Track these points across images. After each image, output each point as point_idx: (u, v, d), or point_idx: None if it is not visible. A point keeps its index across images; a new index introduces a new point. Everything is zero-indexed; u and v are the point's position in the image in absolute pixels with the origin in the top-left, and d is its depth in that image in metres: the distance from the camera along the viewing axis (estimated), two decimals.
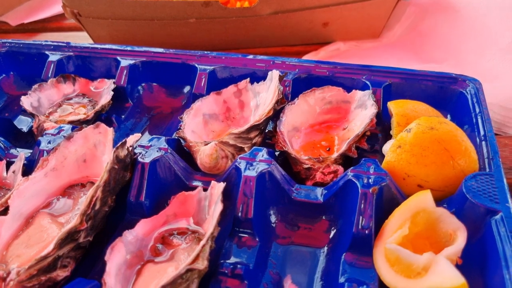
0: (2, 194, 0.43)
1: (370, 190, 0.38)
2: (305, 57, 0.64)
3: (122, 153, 0.40)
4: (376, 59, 0.63)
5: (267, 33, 0.66)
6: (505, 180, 0.38)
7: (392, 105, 0.46)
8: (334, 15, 0.65)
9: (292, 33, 0.67)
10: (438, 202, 0.39)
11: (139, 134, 0.43)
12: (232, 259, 0.37)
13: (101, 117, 0.52)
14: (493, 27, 0.63)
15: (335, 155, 0.44)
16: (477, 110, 0.45)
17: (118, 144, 0.40)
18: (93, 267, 0.38)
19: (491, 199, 0.36)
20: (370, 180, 0.38)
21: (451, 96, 0.49)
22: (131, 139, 0.42)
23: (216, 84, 0.54)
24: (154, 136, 0.44)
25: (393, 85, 0.50)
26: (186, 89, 0.56)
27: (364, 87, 0.51)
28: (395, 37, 0.69)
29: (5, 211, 0.39)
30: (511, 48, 0.60)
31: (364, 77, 0.51)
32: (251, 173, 0.40)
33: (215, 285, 0.36)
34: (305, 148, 0.47)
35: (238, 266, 0.36)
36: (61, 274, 0.36)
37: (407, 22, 0.69)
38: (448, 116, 0.49)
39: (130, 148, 0.41)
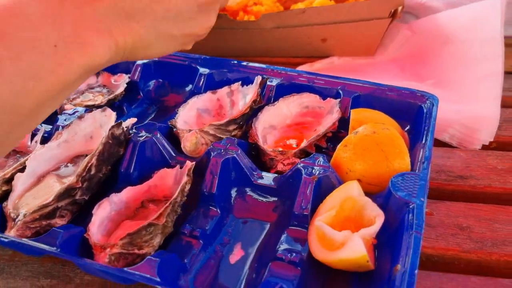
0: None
1: (311, 178, 0.45)
2: (300, 68, 0.72)
3: (118, 131, 0.49)
4: (364, 74, 0.70)
5: (271, 45, 0.75)
6: (427, 180, 0.44)
7: (352, 112, 0.53)
8: (331, 32, 0.73)
9: (293, 46, 0.75)
10: (374, 195, 0.46)
11: (135, 119, 0.53)
12: (193, 224, 0.46)
13: (114, 105, 0.62)
14: (475, 57, 0.69)
15: (296, 150, 0.51)
16: (426, 122, 0.52)
17: (115, 123, 0.49)
18: (85, 221, 0.48)
19: (410, 194, 0.43)
20: (313, 171, 0.46)
21: (411, 109, 0.56)
22: (128, 122, 0.52)
23: (213, 84, 0.62)
24: (149, 121, 0.53)
25: (362, 96, 0.57)
26: (189, 87, 0.65)
27: (337, 96, 0.58)
28: (388, 56, 0.75)
29: (22, 169, 0.49)
30: (485, 79, 0.65)
31: (339, 88, 0.58)
32: (219, 156, 0.48)
33: (176, 242, 0.45)
34: (277, 144, 0.55)
35: (196, 229, 0.45)
36: (59, 222, 0.46)
37: (400, 43, 0.76)
38: (408, 126, 0.56)
39: (125, 129, 0.51)
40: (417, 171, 0.46)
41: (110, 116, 0.53)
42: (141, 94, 0.65)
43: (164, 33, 0.38)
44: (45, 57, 0.32)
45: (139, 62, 0.65)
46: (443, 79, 0.69)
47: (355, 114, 0.52)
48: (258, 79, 0.58)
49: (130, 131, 0.52)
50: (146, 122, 0.53)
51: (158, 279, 0.37)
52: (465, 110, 0.62)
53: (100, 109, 0.54)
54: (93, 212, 0.45)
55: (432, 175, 0.54)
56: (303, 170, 0.46)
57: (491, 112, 0.61)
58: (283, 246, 0.43)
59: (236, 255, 0.45)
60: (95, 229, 0.44)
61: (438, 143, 0.59)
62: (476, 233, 0.47)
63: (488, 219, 0.48)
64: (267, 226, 0.47)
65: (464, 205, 0.50)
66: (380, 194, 0.45)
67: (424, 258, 0.46)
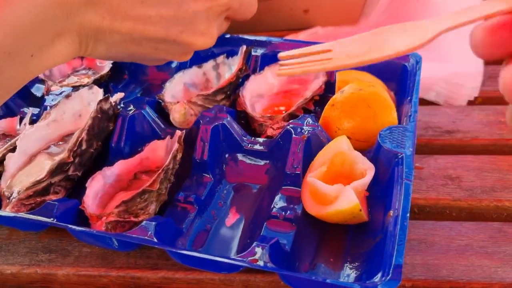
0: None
1: (301, 137, 0.46)
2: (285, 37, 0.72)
3: (106, 106, 0.50)
4: None
5: (253, 19, 0.75)
6: (414, 132, 0.45)
7: (338, 74, 0.54)
8: (313, 2, 0.73)
9: (276, 18, 0.75)
10: (364, 151, 0.46)
11: (123, 93, 0.53)
12: (187, 191, 0.46)
13: (101, 86, 0.62)
14: None
15: (284, 114, 0.52)
16: (411, 79, 0.52)
17: (102, 98, 0.49)
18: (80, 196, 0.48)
19: (398, 145, 0.43)
20: (303, 130, 0.46)
21: (396, 69, 0.56)
22: (115, 96, 0.52)
23: (198, 59, 0.62)
24: (136, 96, 0.54)
25: None
26: (174, 64, 0.65)
27: None
28: (371, 23, 0.76)
29: (13, 150, 0.49)
30: (466, 37, 0.66)
31: None
32: (209, 124, 0.48)
33: (171, 209, 0.45)
34: (265, 111, 0.56)
35: (191, 195, 0.45)
36: (53, 198, 0.46)
37: (381, 9, 0.76)
38: (394, 85, 0.57)
39: (113, 103, 0.51)
40: (404, 124, 0.47)
41: (98, 93, 0.53)
42: (127, 74, 0.65)
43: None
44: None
45: None
46: None
47: (341, 76, 0.53)
48: (242, 48, 0.58)
49: (119, 106, 0.52)
50: (134, 97, 0.53)
51: (155, 240, 0.38)
52: (448, 67, 0.62)
53: (86, 87, 0.54)
54: (86, 185, 0.45)
55: (420, 131, 0.55)
56: (292, 130, 0.47)
57: (474, 67, 0.62)
58: (277, 205, 0.44)
59: (231, 218, 0.45)
60: (90, 201, 0.44)
61: (425, 102, 0.60)
62: (465, 182, 0.48)
63: (477, 169, 0.49)
64: (261, 189, 0.48)
65: (453, 158, 0.51)
66: (369, 150, 0.46)
67: (416, 210, 0.47)
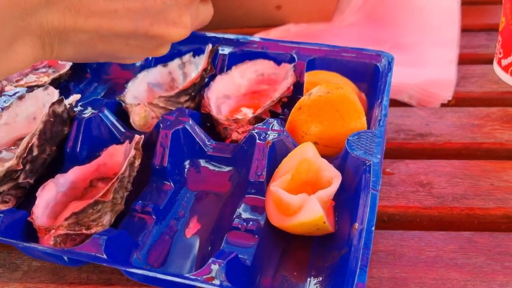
0: None
1: (265, 143, 0.43)
2: (256, 35, 0.70)
3: (59, 108, 0.47)
4: (322, 40, 0.68)
5: (223, 15, 0.72)
6: (383, 137, 0.43)
7: (307, 75, 0.52)
8: None
9: (247, 14, 0.73)
10: (331, 158, 0.44)
11: (79, 95, 0.50)
12: (145, 200, 0.43)
13: (60, 85, 0.59)
14: (434, 23, 0.68)
15: (250, 117, 0.49)
16: (382, 80, 0.51)
17: (55, 100, 0.46)
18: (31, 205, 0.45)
19: (366, 151, 0.41)
20: (267, 136, 0.44)
21: (368, 69, 0.54)
22: (71, 99, 0.49)
23: (163, 57, 0.59)
24: (94, 98, 0.51)
25: (317, 59, 0.55)
26: (138, 62, 0.62)
27: (292, 61, 0.56)
28: (345, 21, 0.74)
29: None
30: (441, 44, 0.65)
31: (293, 52, 0.56)
32: (168, 128, 0.46)
33: (128, 220, 0.42)
34: (232, 113, 0.53)
35: (149, 204, 0.43)
36: (2, 208, 0.43)
37: (356, 7, 0.74)
38: (366, 86, 0.55)
39: (68, 106, 0.48)
40: (373, 129, 0.45)
41: (53, 94, 0.50)
42: (89, 72, 0.62)
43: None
44: None
45: None
46: (400, 44, 0.68)
47: (310, 77, 0.51)
48: (208, 47, 0.56)
49: (75, 109, 0.49)
50: (91, 98, 0.51)
51: (104, 257, 0.35)
52: (422, 73, 0.61)
53: (42, 88, 0.51)
54: (36, 194, 0.42)
55: (392, 135, 0.53)
56: (256, 135, 0.44)
57: (448, 74, 0.61)
58: (240, 216, 0.41)
59: (192, 228, 0.43)
60: (40, 212, 0.41)
61: (397, 104, 0.58)
62: (436, 189, 0.46)
63: (448, 174, 0.48)
64: (224, 197, 0.45)
65: (424, 162, 0.49)
66: (337, 156, 0.44)
67: (385, 218, 0.45)
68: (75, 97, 0.49)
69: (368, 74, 0.54)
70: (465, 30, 0.69)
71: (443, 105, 0.58)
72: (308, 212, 0.38)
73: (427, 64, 0.64)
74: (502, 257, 0.40)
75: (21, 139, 0.49)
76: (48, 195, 0.43)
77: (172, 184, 0.45)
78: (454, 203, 0.45)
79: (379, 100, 0.48)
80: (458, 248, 0.41)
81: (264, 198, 0.43)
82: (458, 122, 0.54)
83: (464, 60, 0.64)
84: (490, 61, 0.63)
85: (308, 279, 0.38)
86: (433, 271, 0.39)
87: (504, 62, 0.58)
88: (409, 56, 0.65)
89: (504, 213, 0.44)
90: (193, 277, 0.33)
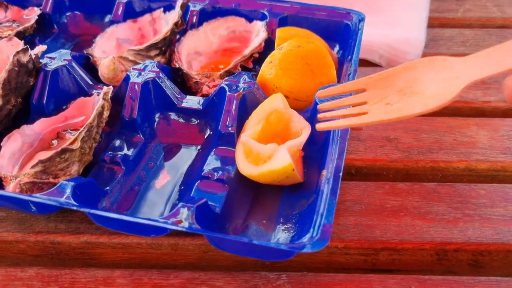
0: None
1: (235, 95, 0.43)
2: None
3: (24, 58, 0.45)
4: None
5: None
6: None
7: (278, 31, 0.51)
8: None
9: None
10: (301, 111, 0.45)
11: (45, 46, 0.49)
12: (114, 151, 0.43)
13: (26, 39, 0.57)
14: None
15: (221, 72, 0.49)
16: (353, 37, 0.51)
17: (20, 49, 0.45)
18: None
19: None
20: (238, 88, 0.44)
21: (339, 27, 0.54)
22: (37, 49, 0.48)
23: (133, 13, 0.58)
24: (61, 50, 0.49)
25: (289, 17, 0.55)
26: (108, 18, 0.61)
27: (264, 19, 0.56)
28: None
29: None
30: (412, 8, 0.66)
31: (265, 9, 0.56)
32: (138, 80, 0.45)
33: (97, 170, 0.42)
34: (204, 69, 0.53)
35: (118, 155, 0.42)
36: None
37: None
38: (337, 44, 0.55)
39: (34, 56, 0.46)
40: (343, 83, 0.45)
41: (18, 45, 0.48)
42: (56, 27, 0.60)
43: None
44: None
45: None
46: (371, 6, 0.68)
47: (281, 32, 0.51)
48: (179, 2, 0.55)
49: (40, 60, 0.48)
50: (58, 50, 0.49)
51: (73, 202, 0.35)
52: (392, 34, 0.62)
53: (5, 39, 0.49)
54: (1, 144, 0.41)
55: None
56: (227, 88, 0.44)
57: (417, 35, 0.61)
58: (210, 166, 0.42)
59: (161, 179, 0.43)
60: (5, 162, 0.41)
61: (367, 63, 0.59)
62: (403, 143, 0.48)
63: (415, 130, 0.49)
64: (194, 149, 0.45)
65: None
66: (307, 109, 0.44)
67: (353, 171, 0.46)
68: (41, 47, 0.48)
69: (339, 32, 0.55)
70: None
71: None
72: (278, 160, 0.38)
73: (397, 25, 0.64)
74: (462, 205, 0.41)
75: None
76: (13, 145, 0.42)
77: (142, 136, 0.45)
78: (419, 157, 0.46)
79: (350, 56, 0.48)
80: (421, 198, 0.42)
81: (234, 149, 0.43)
82: None
83: (433, 24, 0.65)
84: (458, 25, 0.64)
85: (277, 227, 0.39)
86: (398, 219, 0.40)
87: None
88: (380, 18, 0.65)
89: (466, 166, 0.45)
90: (163, 220, 0.33)
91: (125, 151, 0.44)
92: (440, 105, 0.32)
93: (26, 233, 0.39)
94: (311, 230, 0.33)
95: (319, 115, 0.36)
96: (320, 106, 0.37)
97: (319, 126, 0.35)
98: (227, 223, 0.39)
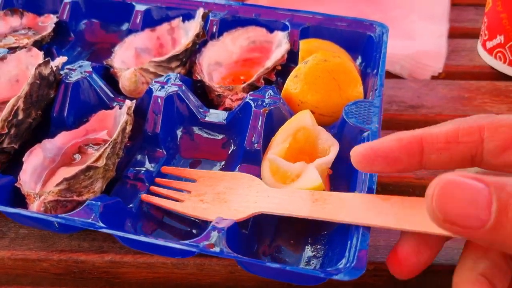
0: None
1: (261, 111, 0.42)
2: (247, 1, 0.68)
3: (46, 71, 0.44)
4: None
5: None
6: (381, 107, 0.43)
7: (301, 43, 0.51)
8: None
9: None
10: (328, 126, 0.44)
11: (66, 57, 0.48)
12: (137, 167, 0.42)
13: (43, 48, 0.56)
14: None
15: (244, 84, 0.48)
16: (378, 50, 0.50)
17: (41, 62, 0.44)
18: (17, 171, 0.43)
19: (364, 121, 0.41)
20: (263, 103, 0.43)
21: (362, 39, 0.54)
22: (57, 61, 0.47)
23: (151, 22, 0.57)
24: (82, 61, 0.49)
25: (311, 27, 0.54)
26: (125, 26, 0.60)
27: (285, 29, 0.55)
28: None
29: None
30: (431, 19, 0.66)
31: (286, 20, 0.55)
32: (161, 93, 0.44)
33: (120, 187, 0.41)
34: (224, 80, 0.52)
35: (141, 171, 0.42)
36: None
37: None
38: (359, 56, 0.54)
39: (55, 68, 0.46)
40: (370, 99, 0.45)
41: (37, 56, 0.48)
42: (72, 35, 0.59)
43: None
44: None
45: (67, 0, 0.59)
46: (388, 17, 0.67)
47: (305, 44, 0.50)
48: (200, 12, 0.54)
49: (61, 72, 0.47)
50: (79, 61, 0.48)
51: (100, 224, 0.34)
52: (413, 45, 0.61)
53: (24, 50, 0.48)
54: (23, 159, 0.41)
55: (385, 106, 0.53)
56: (252, 103, 0.43)
57: (439, 46, 0.61)
58: None
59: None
60: (27, 178, 0.40)
61: (389, 75, 0.58)
62: None
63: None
64: (218, 165, 0.44)
65: None
66: (334, 125, 0.44)
67: (379, 188, 0.45)
68: (61, 59, 0.47)
69: (362, 44, 0.54)
70: (454, 4, 0.69)
71: (433, 78, 0.58)
72: (307, 179, 0.38)
73: (417, 37, 0.63)
74: None
75: (4, 102, 0.47)
76: (35, 160, 0.41)
77: (164, 152, 0.44)
78: None
79: (375, 71, 0.48)
80: None
81: (259, 167, 0.42)
82: (449, 95, 0.55)
83: (453, 34, 0.64)
84: (478, 36, 0.63)
85: (306, 247, 0.38)
86: None
87: (489, 44, 0.58)
88: (399, 30, 0.65)
89: None
90: (194, 244, 0.33)
91: (148, 166, 0.43)
92: (238, 219, 0.36)
93: (50, 252, 0.39)
94: (346, 254, 0.33)
95: (151, 188, 0.41)
96: (157, 180, 0.41)
97: (143, 197, 0.40)
98: (256, 244, 0.38)
